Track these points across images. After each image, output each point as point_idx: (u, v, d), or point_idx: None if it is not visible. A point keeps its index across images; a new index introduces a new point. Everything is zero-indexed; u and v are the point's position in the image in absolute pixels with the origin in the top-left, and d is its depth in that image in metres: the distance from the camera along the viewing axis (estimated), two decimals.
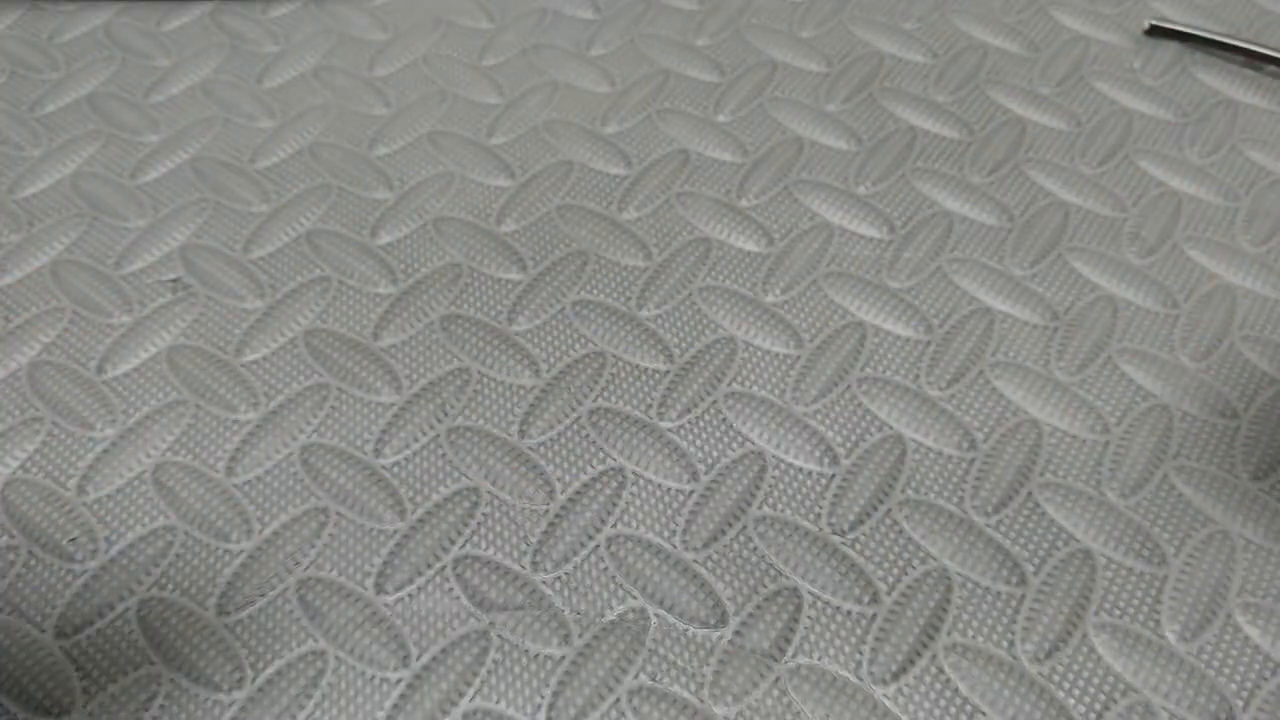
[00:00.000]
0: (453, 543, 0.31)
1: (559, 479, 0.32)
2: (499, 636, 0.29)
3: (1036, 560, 0.30)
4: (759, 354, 0.35)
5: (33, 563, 0.31)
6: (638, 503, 0.32)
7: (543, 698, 0.28)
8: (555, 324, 0.36)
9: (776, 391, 0.34)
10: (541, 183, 0.39)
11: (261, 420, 0.33)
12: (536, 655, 0.29)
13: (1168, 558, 0.30)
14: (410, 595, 0.30)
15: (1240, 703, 0.28)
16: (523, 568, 0.30)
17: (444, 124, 0.42)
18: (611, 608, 0.30)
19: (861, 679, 0.28)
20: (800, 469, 0.32)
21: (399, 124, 0.42)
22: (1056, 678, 0.28)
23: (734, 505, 0.31)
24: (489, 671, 0.29)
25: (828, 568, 0.30)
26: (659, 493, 0.32)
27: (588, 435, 0.33)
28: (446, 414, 0.34)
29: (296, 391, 0.34)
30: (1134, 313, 0.36)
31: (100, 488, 0.32)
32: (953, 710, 0.28)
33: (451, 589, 0.30)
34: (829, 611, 0.30)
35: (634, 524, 0.31)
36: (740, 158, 0.40)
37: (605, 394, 0.34)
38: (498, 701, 0.28)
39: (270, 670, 0.29)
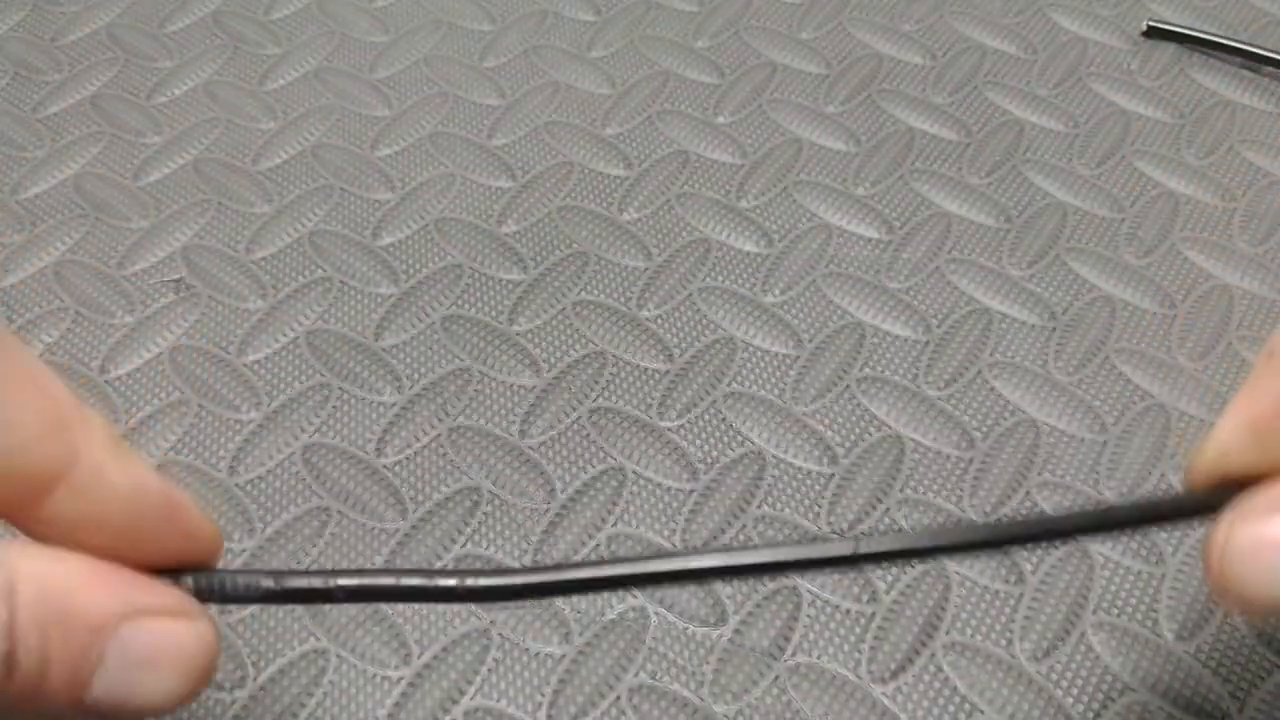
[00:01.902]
0: (454, 541, 0.31)
1: (559, 478, 0.32)
2: (499, 635, 0.29)
3: (1035, 558, 0.31)
4: (758, 354, 0.35)
5: None
6: (638, 502, 0.32)
7: (543, 696, 0.28)
8: (556, 324, 0.36)
9: (776, 391, 0.34)
10: (542, 184, 0.40)
11: (263, 420, 0.34)
12: (537, 654, 0.29)
13: (1165, 556, 0.31)
14: None
15: (1238, 701, 0.28)
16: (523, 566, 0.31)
17: (445, 125, 0.42)
18: (612, 606, 0.30)
19: (860, 677, 0.29)
20: (799, 468, 0.32)
21: (400, 125, 0.42)
22: (1055, 676, 0.29)
23: (733, 504, 0.32)
24: (489, 670, 0.29)
25: None
26: (659, 492, 0.32)
27: (588, 435, 0.33)
28: (448, 413, 0.34)
29: (298, 391, 0.34)
30: (1131, 313, 0.36)
31: None
32: (951, 709, 0.28)
33: None
34: (828, 610, 0.30)
35: (634, 523, 0.31)
36: (740, 159, 0.40)
37: (605, 394, 0.34)
38: (498, 700, 0.28)
39: (272, 669, 0.29)
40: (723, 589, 0.30)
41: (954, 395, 0.34)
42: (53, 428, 0.18)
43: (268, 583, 0.20)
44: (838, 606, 0.30)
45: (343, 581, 0.20)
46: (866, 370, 0.35)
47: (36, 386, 0.18)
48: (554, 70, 0.44)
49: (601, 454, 0.33)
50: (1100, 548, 0.31)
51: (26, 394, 0.18)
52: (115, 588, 0.18)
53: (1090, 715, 0.28)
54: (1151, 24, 0.44)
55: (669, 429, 0.33)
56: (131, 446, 0.19)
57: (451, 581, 0.20)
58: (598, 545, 0.31)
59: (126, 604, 0.17)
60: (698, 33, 0.45)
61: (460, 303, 0.36)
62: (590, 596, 0.30)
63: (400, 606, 0.30)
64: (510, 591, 0.20)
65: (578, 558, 0.31)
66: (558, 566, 0.21)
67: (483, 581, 0.20)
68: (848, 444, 0.33)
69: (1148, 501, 0.22)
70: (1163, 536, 0.31)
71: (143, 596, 0.18)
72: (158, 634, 0.18)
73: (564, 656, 0.29)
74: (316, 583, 0.20)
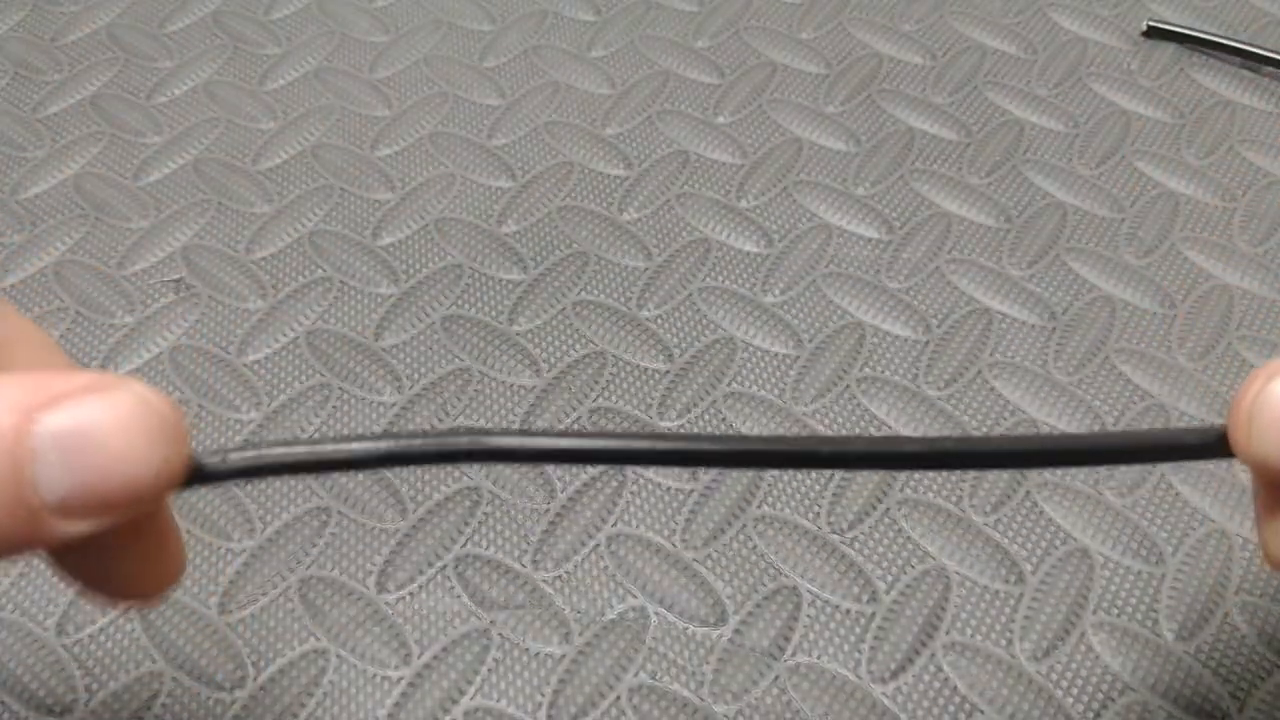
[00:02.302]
0: (454, 541, 0.31)
1: (559, 478, 0.32)
2: (499, 635, 0.29)
3: (1035, 559, 0.31)
4: (758, 354, 0.35)
5: (36, 562, 0.31)
6: (638, 502, 0.32)
7: (543, 696, 0.28)
8: (556, 324, 0.36)
9: (776, 391, 0.34)
10: (542, 184, 0.40)
11: (263, 420, 0.34)
12: (537, 654, 0.29)
13: (1165, 556, 0.31)
14: (411, 594, 0.30)
15: (1238, 701, 0.28)
16: (523, 566, 0.31)
17: (445, 125, 0.42)
18: (612, 606, 0.30)
19: (860, 677, 0.29)
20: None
21: (400, 125, 0.42)
22: (1055, 676, 0.29)
23: (733, 504, 0.32)
24: (490, 670, 0.29)
25: (827, 566, 0.30)
26: (659, 492, 0.32)
27: None
28: (448, 414, 0.34)
29: (298, 391, 0.34)
30: (1131, 313, 0.36)
31: None
32: (951, 709, 0.28)
33: (452, 588, 0.30)
34: (828, 610, 0.30)
35: (634, 523, 0.31)
36: (740, 159, 0.40)
37: (605, 394, 0.34)
38: (498, 700, 0.28)
39: (272, 669, 0.29)
40: (722, 588, 0.30)
41: (954, 395, 0.34)
42: None
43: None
44: (838, 606, 0.30)
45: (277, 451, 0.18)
46: (866, 370, 0.35)
47: None
48: (554, 70, 0.44)
49: None
50: (1100, 547, 0.31)
51: None
52: (19, 385, 0.16)
53: (1090, 715, 0.28)
54: (1151, 24, 0.44)
55: (669, 429, 0.33)
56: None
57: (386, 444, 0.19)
58: (597, 545, 0.31)
59: (36, 394, 0.16)
60: (698, 33, 0.45)
61: (460, 303, 0.36)
62: (590, 596, 0.30)
63: (401, 606, 0.30)
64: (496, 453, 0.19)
65: (578, 557, 0.31)
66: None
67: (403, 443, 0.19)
68: None
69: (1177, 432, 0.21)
70: (1162, 536, 0.31)
71: (52, 384, 0.16)
72: (87, 410, 0.16)
73: (564, 656, 0.29)
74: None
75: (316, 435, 0.33)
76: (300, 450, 0.19)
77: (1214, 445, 0.20)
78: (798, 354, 0.35)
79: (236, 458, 0.18)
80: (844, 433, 0.33)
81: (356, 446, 0.19)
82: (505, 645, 0.29)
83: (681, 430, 0.33)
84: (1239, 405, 0.19)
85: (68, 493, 0.16)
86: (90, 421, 0.16)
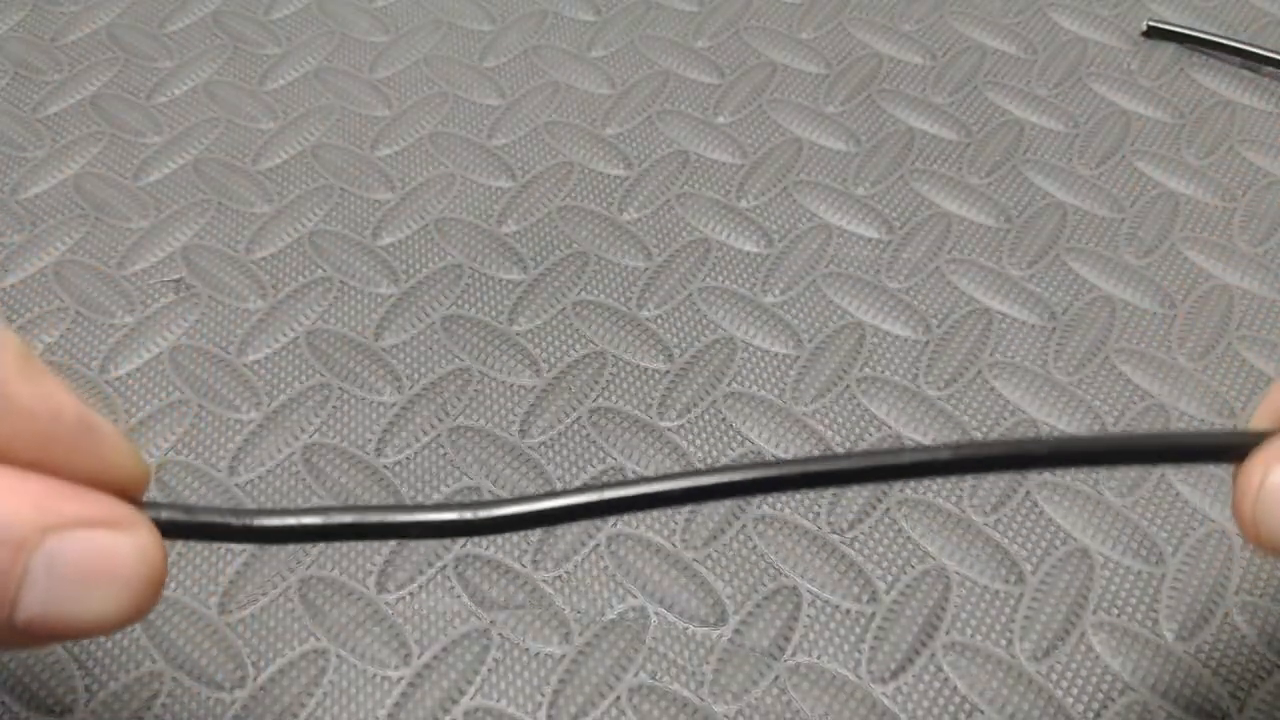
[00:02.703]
0: (454, 541, 0.31)
1: (559, 478, 0.32)
2: (499, 635, 0.29)
3: (1035, 559, 0.31)
4: (758, 354, 0.35)
5: None
6: None
7: (543, 696, 0.28)
8: (556, 324, 0.36)
9: (776, 391, 0.34)
10: (542, 184, 0.40)
11: (263, 420, 0.34)
12: (537, 654, 0.29)
13: (1165, 556, 0.31)
14: (411, 594, 0.30)
15: (1238, 701, 0.28)
16: (523, 566, 0.31)
17: (445, 125, 0.42)
18: (612, 606, 0.30)
19: (860, 677, 0.29)
20: None
21: (400, 125, 0.42)
22: (1055, 676, 0.29)
23: (733, 505, 0.32)
24: (489, 670, 0.29)
25: (827, 566, 0.30)
26: None
27: (588, 435, 0.33)
28: (447, 414, 0.34)
29: (298, 391, 0.34)
30: (1131, 313, 0.36)
31: None
32: (951, 709, 0.28)
33: (452, 587, 0.30)
34: (828, 610, 0.30)
35: (634, 523, 0.31)
36: (740, 159, 0.40)
37: (605, 394, 0.34)
38: (498, 700, 0.28)
39: (272, 669, 0.29)
40: (723, 589, 0.30)
41: (954, 395, 0.34)
42: None
43: (233, 520, 0.19)
44: (838, 606, 0.30)
45: (308, 520, 0.19)
46: (866, 370, 0.35)
47: None
48: (554, 70, 0.44)
49: (601, 454, 0.33)
50: (1100, 547, 0.31)
51: None
52: (38, 497, 0.16)
53: (1090, 715, 0.28)
54: (1151, 24, 0.44)
55: (669, 429, 0.33)
56: (46, 366, 0.17)
57: (452, 515, 0.19)
58: (597, 545, 0.31)
59: (51, 514, 0.16)
60: (698, 33, 0.45)
61: (460, 303, 0.36)
62: (590, 596, 0.30)
63: (401, 606, 0.30)
64: (507, 522, 0.20)
65: (578, 557, 0.31)
66: (551, 494, 0.20)
67: (482, 514, 0.19)
68: (848, 444, 0.33)
69: (1204, 434, 0.22)
70: (1162, 536, 0.31)
71: (70, 506, 0.16)
72: (90, 546, 0.16)
73: (564, 656, 0.29)
74: (289, 520, 0.19)
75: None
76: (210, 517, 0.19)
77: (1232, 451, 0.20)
78: (798, 354, 0.35)
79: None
80: (843, 433, 0.33)
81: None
82: (505, 645, 0.29)
83: (682, 427, 0.33)
84: (1243, 497, 0.19)
85: (36, 616, 0.16)
86: (90, 559, 0.16)
